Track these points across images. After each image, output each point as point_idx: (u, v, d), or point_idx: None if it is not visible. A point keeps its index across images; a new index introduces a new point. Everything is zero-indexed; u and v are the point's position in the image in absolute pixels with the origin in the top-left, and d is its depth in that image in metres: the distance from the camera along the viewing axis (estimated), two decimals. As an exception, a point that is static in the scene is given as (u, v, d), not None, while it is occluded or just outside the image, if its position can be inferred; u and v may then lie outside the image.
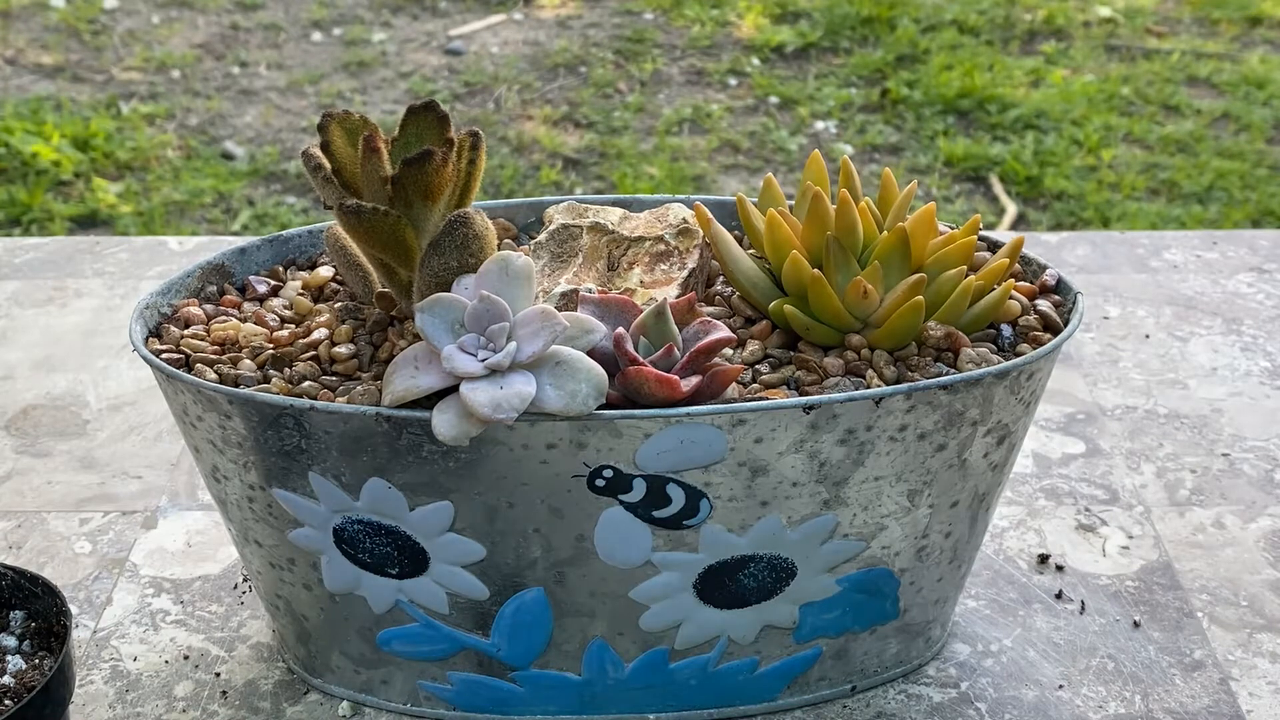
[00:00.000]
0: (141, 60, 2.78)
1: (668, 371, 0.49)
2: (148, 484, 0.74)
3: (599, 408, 0.48)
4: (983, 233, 0.60)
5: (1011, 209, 2.24)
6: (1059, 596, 0.65)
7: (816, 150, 0.60)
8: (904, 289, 0.53)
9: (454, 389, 0.48)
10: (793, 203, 0.60)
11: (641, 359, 0.49)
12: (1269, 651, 0.62)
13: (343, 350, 0.54)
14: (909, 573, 0.56)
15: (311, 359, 0.54)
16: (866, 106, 2.58)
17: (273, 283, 0.61)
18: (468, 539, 0.52)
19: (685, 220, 0.59)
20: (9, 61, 2.78)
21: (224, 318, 0.58)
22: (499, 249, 0.54)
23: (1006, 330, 0.55)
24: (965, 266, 0.55)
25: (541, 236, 0.59)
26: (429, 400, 0.49)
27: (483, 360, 0.48)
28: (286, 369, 0.54)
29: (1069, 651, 0.62)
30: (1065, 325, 0.56)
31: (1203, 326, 0.89)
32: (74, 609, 0.65)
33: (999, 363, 0.53)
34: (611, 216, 0.59)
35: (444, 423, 0.48)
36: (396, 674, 0.58)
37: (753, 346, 0.54)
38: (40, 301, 0.92)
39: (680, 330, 0.51)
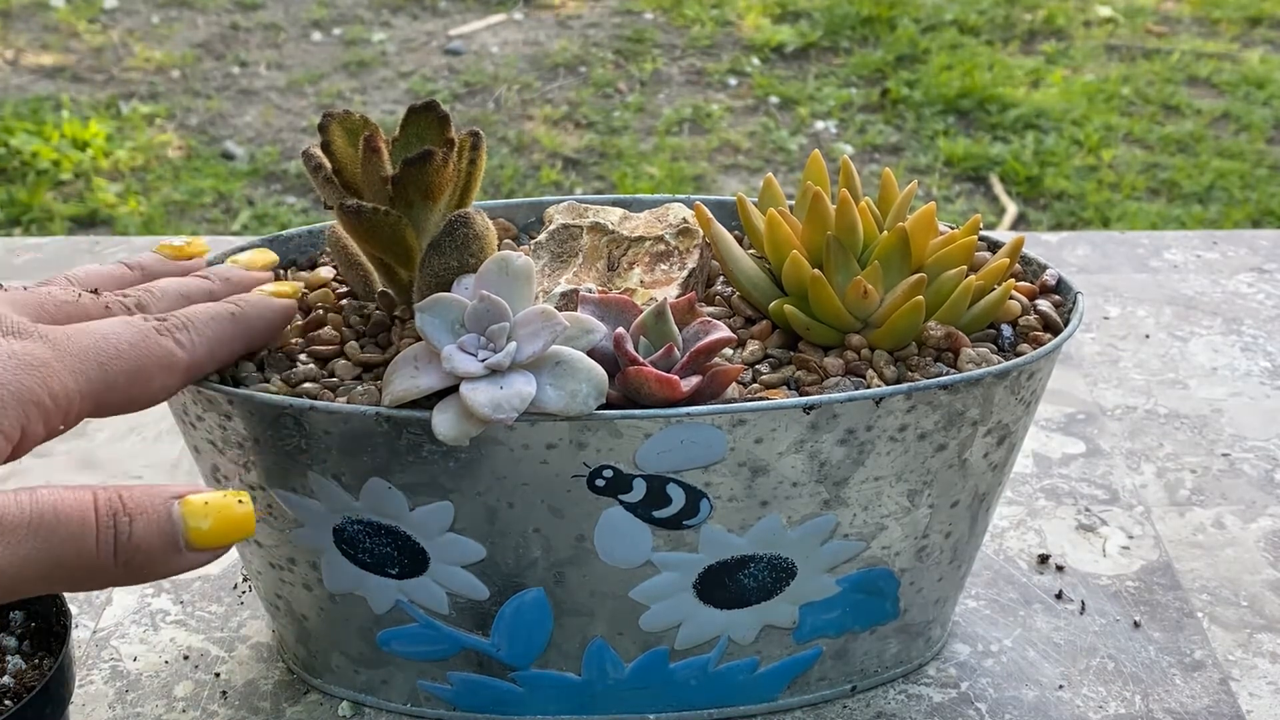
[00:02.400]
0: (141, 60, 2.78)
1: (668, 371, 0.49)
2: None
3: (599, 407, 0.48)
4: (983, 233, 0.60)
5: (1011, 209, 2.23)
6: (1059, 596, 0.65)
7: (816, 150, 0.60)
8: (904, 289, 0.53)
9: (454, 389, 0.48)
10: (793, 203, 0.60)
11: (642, 359, 0.49)
12: (1269, 651, 0.62)
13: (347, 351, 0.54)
14: (909, 573, 0.56)
15: (315, 359, 0.54)
16: (866, 106, 2.58)
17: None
18: (468, 539, 0.52)
19: (685, 220, 0.59)
20: (9, 62, 2.77)
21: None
22: (499, 249, 0.54)
23: (1007, 330, 0.55)
24: (965, 266, 0.55)
25: (541, 236, 0.59)
26: (429, 400, 0.49)
27: (483, 360, 0.48)
28: (289, 369, 0.54)
29: (1069, 651, 0.62)
30: (1065, 325, 0.56)
31: (1203, 326, 0.89)
32: (74, 609, 0.65)
33: (999, 363, 0.53)
34: (611, 216, 0.59)
35: (444, 422, 0.48)
36: (396, 674, 0.58)
37: (753, 346, 0.54)
38: (40, 301, 0.92)
39: (680, 330, 0.51)
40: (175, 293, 0.51)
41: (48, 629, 0.55)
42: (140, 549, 0.42)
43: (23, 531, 0.40)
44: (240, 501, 0.44)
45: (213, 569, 0.68)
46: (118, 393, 0.46)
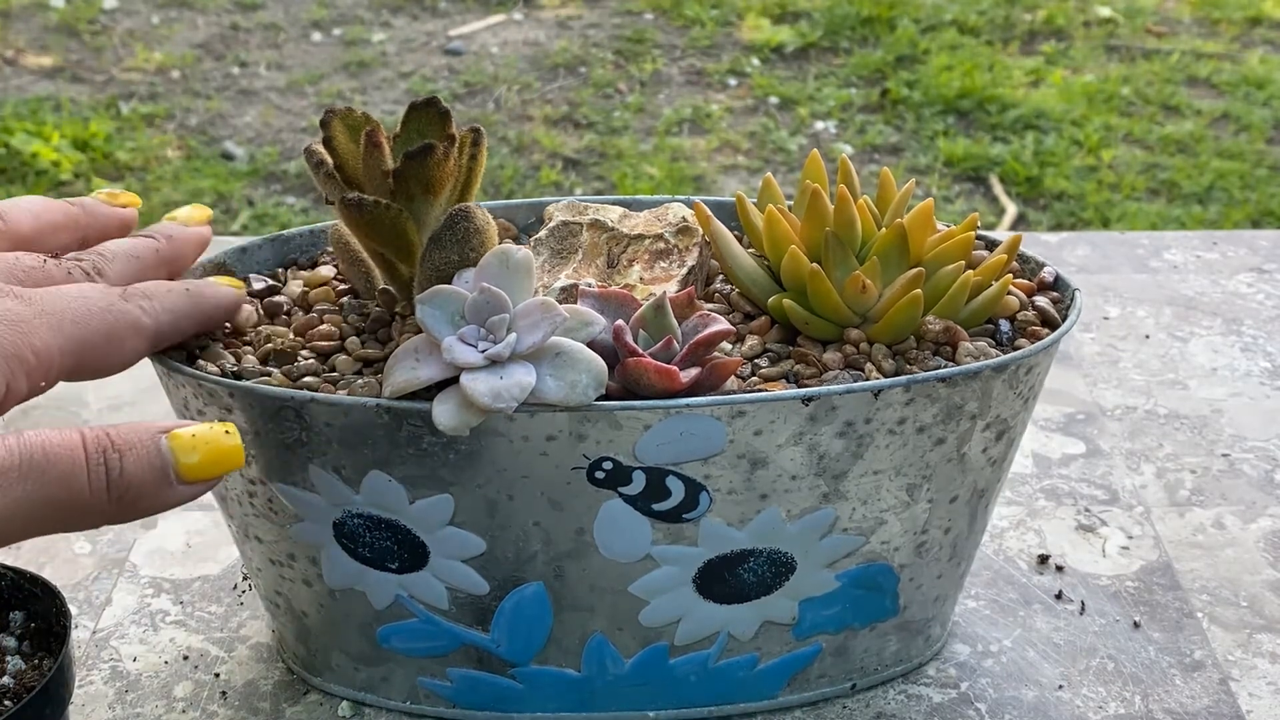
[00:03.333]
0: (141, 60, 2.78)
1: (667, 364, 0.49)
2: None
3: (599, 399, 0.48)
4: (981, 232, 0.60)
5: (1011, 209, 2.23)
6: (1059, 597, 0.65)
7: (815, 150, 0.60)
8: (902, 283, 0.53)
9: (454, 380, 0.48)
10: (792, 203, 0.60)
11: (641, 350, 0.49)
12: (1269, 651, 0.62)
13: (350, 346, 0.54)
14: (909, 569, 0.56)
15: (316, 355, 0.54)
16: (866, 106, 2.58)
17: (271, 281, 0.61)
18: (468, 532, 0.52)
19: (685, 219, 0.59)
20: (9, 62, 2.78)
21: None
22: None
23: (1005, 325, 0.55)
24: (963, 261, 0.55)
25: (541, 233, 0.59)
26: (429, 392, 0.49)
27: (483, 351, 0.48)
28: (290, 364, 0.54)
29: (1069, 652, 0.62)
30: (1063, 321, 0.56)
31: (1203, 326, 0.89)
32: (74, 609, 0.64)
33: (997, 356, 0.53)
34: (611, 214, 0.59)
35: (444, 413, 0.48)
36: (396, 671, 0.57)
37: (752, 341, 0.54)
38: (40, 300, 0.92)
39: (679, 324, 0.51)
40: (125, 253, 0.53)
41: (48, 629, 0.55)
42: (132, 485, 0.43)
43: (14, 475, 0.41)
44: (227, 433, 0.45)
45: (213, 569, 0.68)
46: (94, 352, 0.47)
